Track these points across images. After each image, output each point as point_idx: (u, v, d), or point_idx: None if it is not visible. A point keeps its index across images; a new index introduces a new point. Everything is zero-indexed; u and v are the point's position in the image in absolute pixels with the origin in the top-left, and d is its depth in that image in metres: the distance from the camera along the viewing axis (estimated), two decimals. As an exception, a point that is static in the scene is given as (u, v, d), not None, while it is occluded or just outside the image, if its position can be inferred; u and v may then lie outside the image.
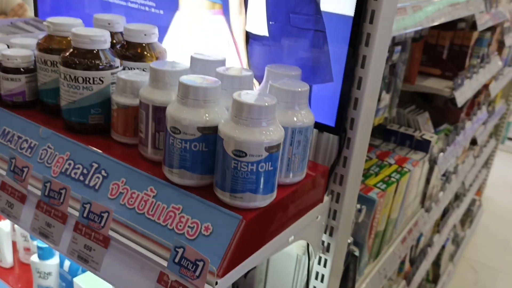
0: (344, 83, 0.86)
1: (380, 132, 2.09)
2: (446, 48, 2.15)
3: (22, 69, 0.95)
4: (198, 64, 0.87)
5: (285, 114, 0.76)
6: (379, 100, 1.70)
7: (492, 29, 2.37)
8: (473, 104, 2.70)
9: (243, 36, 0.96)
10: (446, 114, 2.44)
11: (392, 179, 1.62)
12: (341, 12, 0.83)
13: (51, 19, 0.92)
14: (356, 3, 0.81)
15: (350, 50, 0.83)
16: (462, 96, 2.03)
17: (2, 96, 0.97)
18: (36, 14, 1.29)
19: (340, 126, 0.89)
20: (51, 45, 0.92)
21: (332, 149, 0.92)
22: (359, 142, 0.91)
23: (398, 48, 1.69)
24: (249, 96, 0.69)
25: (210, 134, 0.71)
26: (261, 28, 0.93)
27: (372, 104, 0.91)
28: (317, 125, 0.91)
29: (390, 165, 1.73)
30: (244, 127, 0.67)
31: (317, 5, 0.85)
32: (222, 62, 0.88)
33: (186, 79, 0.72)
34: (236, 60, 0.98)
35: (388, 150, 1.94)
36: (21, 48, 0.99)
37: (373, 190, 1.51)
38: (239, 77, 0.80)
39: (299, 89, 0.75)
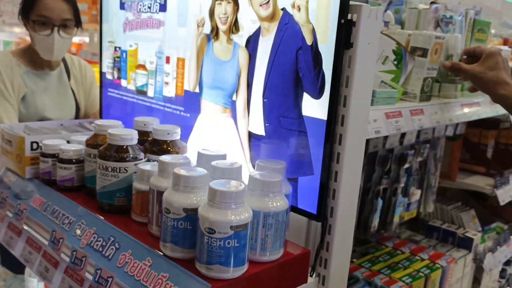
0: (322, 176, 0.99)
1: (424, 227, 2.10)
2: (490, 147, 2.17)
3: (73, 160, 1.20)
4: (203, 158, 1.05)
5: (259, 200, 0.90)
6: (408, 195, 1.76)
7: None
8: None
9: (247, 134, 1.14)
10: (501, 213, 2.38)
11: (421, 273, 1.62)
12: (318, 116, 0.99)
13: (98, 121, 1.18)
14: (328, 109, 0.96)
15: (326, 148, 0.98)
16: (506, 194, 2.00)
17: (57, 181, 1.22)
18: (100, 116, 1.59)
19: (321, 214, 1.00)
20: (96, 141, 1.17)
21: (317, 235, 1.03)
22: (341, 229, 1.01)
23: (426, 146, 1.77)
24: (223, 184, 0.85)
25: (193, 214, 0.87)
26: (259, 128, 1.11)
27: (351, 195, 1.02)
28: (303, 212, 1.04)
29: (422, 260, 1.74)
30: (216, 209, 0.83)
31: (300, 110, 1.02)
32: (223, 157, 1.06)
33: (179, 170, 0.90)
34: (241, 154, 1.15)
35: (429, 246, 1.93)
36: (78, 143, 1.25)
37: (397, 283, 1.53)
38: (229, 169, 0.97)
39: (272, 180, 0.90)
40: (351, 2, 0.92)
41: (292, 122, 1.03)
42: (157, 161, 1.09)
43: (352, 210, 1.04)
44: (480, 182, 2.04)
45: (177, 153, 1.16)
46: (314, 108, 0.99)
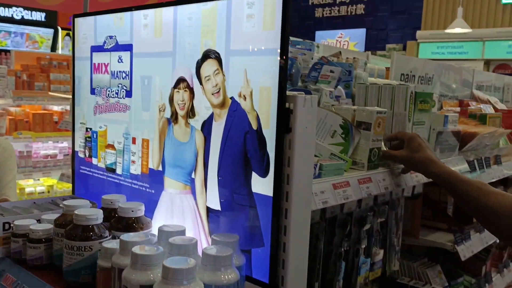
0: (272, 248, 1.08)
1: (393, 285, 2.16)
2: (450, 203, 2.28)
3: (43, 239, 1.27)
4: (163, 234, 1.14)
5: (212, 274, 0.98)
6: (370, 255, 1.84)
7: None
8: (501, 255, 2.68)
9: (205, 209, 1.23)
10: (468, 267, 2.46)
11: (386, 334, 1.67)
12: (265, 193, 1.09)
13: (66, 201, 1.26)
14: (274, 187, 1.07)
15: (274, 221, 1.07)
16: (467, 249, 2.10)
17: (27, 259, 1.28)
18: (73, 192, 1.67)
19: (273, 283, 1.08)
20: (65, 220, 1.24)
21: (271, 303, 1.10)
22: (292, 297, 1.08)
23: (385, 207, 1.87)
24: (176, 261, 0.93)
25: (150, 291, 0.95)
26: (216, 204, 1.20)
27: (301, 264, 1.10)
28: (257, 282, 1.11)
29: (388, 319, 1.79)
30: (169, 286, 0.90)
31: (250, 187, 1.12)
32: (182, 232, 1.14)
33: (136, 249, 0.98)
34: (201, 228, 1.24)
35: (398, 304, 1.99)
36: (48, 222, 1.32)
37: None
38: (185, 245, 1.05)
39: (222, 255, 0.99)
40: (288, 93, 1.05)
41: (243, 198, 1.13)
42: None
43: (303, 277, 1.12)
44: (442, 239, 2.13)
45: (141, 229, 1.24)
46: (262, 185, 1.09)
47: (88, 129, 1.59)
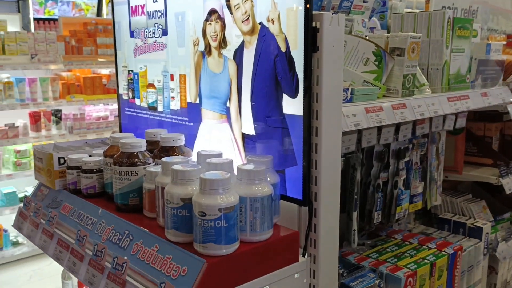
0: (304, 165, 1.12)
1: (436, 220, 2.17)
2: (496, 139, 2.23)
3: (94, 170, 1.37)
4: (201, 157, 1.21)
5: (246, 188, 1.04)
6: (409, 188, 1.85)
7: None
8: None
9: (241, 136, 1.29)
10: (515, 203, 2.41)
11: (426, 260, 1.70)
12: (296, 113, 1.12)
13: (112, 134, 1.35)
14: (304, 106, 1.10)
15: (305, 140, 1.11)
16: (512, 183, 2.06)
17: (81, 189, 1.39)
18: (120, 130, 1.78)
19: (306, 199, 1.13)
20: (112, 152, 1.34)
21: (306, 219, 1.15)
22: (325, 212, 1.13)
23: (425, 140, 1.86)
24: (212, 174, 1.00)
25: (190, 203, 1.02)
26: (251, 129, 1.25)
27: (332, 180, 1.14)
28: (292, 200, 1.17)
29: (430, 249, 1.81)
30: (206, 195, 0.97)
31: (281, 109, 1.16)
32: (219, 155, 1.21)
33: (176, 166, 1.05)
34: (237, 153, 1.30)
35: (440, 237, 2.00)
36: (98, 156, 1.42)
37: (402, 269, 1.62)
38: (220, 164, 1.11)
39: (256, 169, 1.04)
40: (314, 12, 1.06)
41: (276, 120, 1.18)
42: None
43: (335, 193, 1.16)
44: (486, 173, 2.10)
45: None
46: (292, 106, 1.13)
47: (130, 72, 1.67)
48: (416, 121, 1.72)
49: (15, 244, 4.44)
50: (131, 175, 1.24)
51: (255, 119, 1.23)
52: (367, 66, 1.44)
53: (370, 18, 1.68)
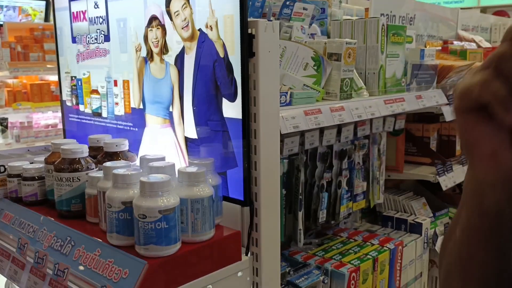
0: (244, 167, 1.16)
1: (379, 218, 2.27)
2: (433, 139, 2.36)
3: (36, 177, 1.36)
4: (144, 161, 1.22)
5: (187, 189, 1.06)
6: (353, 187, 1.93)
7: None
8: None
9: (184, 139, 1.31)
10: (453, 200, 2.55)
11: (368, 256, 1.78)
12: (235, 116, 1.16)
13: (54, 140, 1.35)
14: (242, 109, 1.14)
15: (244, 142, 1.15)
16: (449, 180, 2.18)
17: (22, 197, 1.37)
18: (64, 137, 1.76)
19: (247, 200, 1.17)
20: (53, 159, 1.33)
21: (248, 218, 1.19)
22: (266, 211, 1.17)
23: (366, 141, 1.95)
24: (151, 177, 1.02)
25: (130, 206, 1.03)
26: (193, 133, 1.28)
27: (272, 181, 1.18)
28: (233, 200, 1.20)
29: (373, 245, 1.89)
30: (146, 198, 0.99)
31: (221, 113, 1.19)
32: (162, 159, 1.22)
33: (117, 171, 1.07)
34: (181, 157, 1.32)
35: (383, 234, 2.09)
36: (37, 163, 1.41)
37: (346, 266, 1.69)
38: (162, 167, 1.13)
39: (196, 171, 1.07)
40: (249, 19, 1.11)
41: (216, 124, 1.21)
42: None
43: (275, 193, 1.21)
44: (424, 171, 2.22)
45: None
46: (232, 110, 1.17)
47: (73, 78, 1.66)
48: (357, 122, 1.80)
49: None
50: (73, 181, 1.23)
51: (197, 123, 1.26)
52: (307, 70, 1.50)
53: (310, 24, 1.75)
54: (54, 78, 5.19)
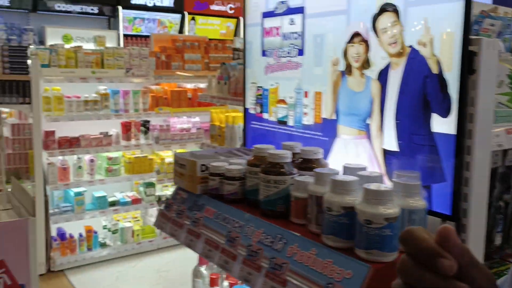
0: (455, 182, 1.17)
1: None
2: None
3: (237, 177, 1.49)
4: (348, 170, 1.29)
5: (403, 200, 1.11)
6: None
7: None
8: None
9: (381, 151, 1.36)
10: None
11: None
12: (447, 132, 1.18)
13: (256, 146, 1.47)
14: (457, 125, 1.16)
15: (458, 158, 1.16)
16: None
17: (224, 195, 1.52)
18: (244, 144, 1.90)
19: (455, 215, 1.18)
20: (255, 161, 1.45)
21: (451, 233, 1.20)
22: (473, 227, 1.18)
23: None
24: (374, 185, 1.07)
25: (350, 211, 1.10)
26: (393, 145, 1.32)
27: (481, 198, 1.18)
28: (438, 214, 1.22)
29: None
30: (371, 205, 1.05)
31: (429, 127, 1.22)
32: (364, 169, 1.28)
33: (336, 177, 1.14)
34: (376, 168, 1.37)
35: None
36: (236, 165, 1.54)
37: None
38: (372, 177, 1.19)
39: (413, 183, 1.11)
40: (471, 37, 1.12)
41: (423, 138, 1.24)
42: (307, 175, 1.34)
43: (482, 211, 1.20)
44: None
45: (321, 169, 1.40)
46: (443, 125, 1.19)
47: (259, 88, 1.79)
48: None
49: (103, 245, 4.72)
50: (280, 184, 1.34)
51: (400, 136, 1.30)
52: (501, 88, 1.47)
53: (495, 40, 1.71)
54: (190, 85, 5.59)
